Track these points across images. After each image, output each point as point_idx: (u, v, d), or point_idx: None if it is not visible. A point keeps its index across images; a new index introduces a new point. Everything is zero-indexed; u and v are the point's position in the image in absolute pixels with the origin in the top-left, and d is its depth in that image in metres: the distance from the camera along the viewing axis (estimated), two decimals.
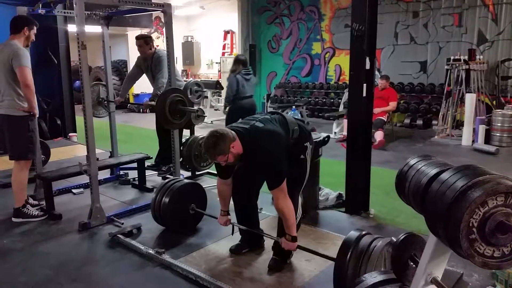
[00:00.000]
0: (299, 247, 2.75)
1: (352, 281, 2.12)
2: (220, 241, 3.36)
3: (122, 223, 3.70)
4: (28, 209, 3.88)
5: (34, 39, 3.89)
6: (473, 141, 7.00)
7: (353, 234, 2.38)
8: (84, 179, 4.32)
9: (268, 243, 3.11)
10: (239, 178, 2.99)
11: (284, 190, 2.63)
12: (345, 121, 7.33)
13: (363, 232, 2.40)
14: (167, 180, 3.64)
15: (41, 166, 4.54)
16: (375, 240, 2.30)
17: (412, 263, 1.69)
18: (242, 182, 3.02)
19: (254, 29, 11.62)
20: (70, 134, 7.86)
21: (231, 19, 12.11)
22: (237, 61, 5.62)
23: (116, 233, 3.45)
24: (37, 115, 3.84)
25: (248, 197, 3.11)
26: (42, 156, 4.87)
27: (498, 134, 6.93)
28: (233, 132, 2.63)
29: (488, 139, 6.95)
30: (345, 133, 7.02)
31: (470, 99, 7.08)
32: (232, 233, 3.17)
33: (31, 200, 4.03)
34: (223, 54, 12.72)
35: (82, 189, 4.65)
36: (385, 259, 2.19)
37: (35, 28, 3.85)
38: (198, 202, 3.56)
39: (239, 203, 3.12)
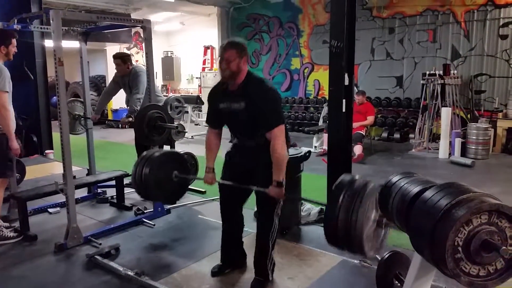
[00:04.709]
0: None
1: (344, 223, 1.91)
2: (201, 261, 3.29)
3: (100, 244, 3.60)
4: (2, 231, 3.73)
5: (16, 50, 3.76)
6: (449, 154, 7.14)
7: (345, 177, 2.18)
8: (60, 197, 4.19)
9: (250, 261, 3.06)
10: (227, 189, 2.94)
11: (283, 132, 2.66)
12: (325, 135, 7.38)
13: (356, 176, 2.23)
14: (144, 153, 3.30)
15: (15, 185, 4.39)
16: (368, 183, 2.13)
17: (397, 282, 1.68)
18: (230, 193, 2.95)
19: None
20: (46, 151, 7.65)
21: (211, 35, 12.13)
22: None
23: (93, 254, 3.34)
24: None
25: (235, 207, 3.06)
26: (17, 174, 4.71)
27: (473, 147, 7.09)
28: None
29: (464, 152, 7.09)
30: (325, 147, 7.07)
31: (446, 112, 7.24)
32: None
33: (1, 222, 3.87)
34: (203, 69, 12.71)
35: (58, 208, 4.51)
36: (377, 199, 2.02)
37: (13, 41, 3.71)
38: (180, 169, 3.26)
39: (226, 211, 3.06)
